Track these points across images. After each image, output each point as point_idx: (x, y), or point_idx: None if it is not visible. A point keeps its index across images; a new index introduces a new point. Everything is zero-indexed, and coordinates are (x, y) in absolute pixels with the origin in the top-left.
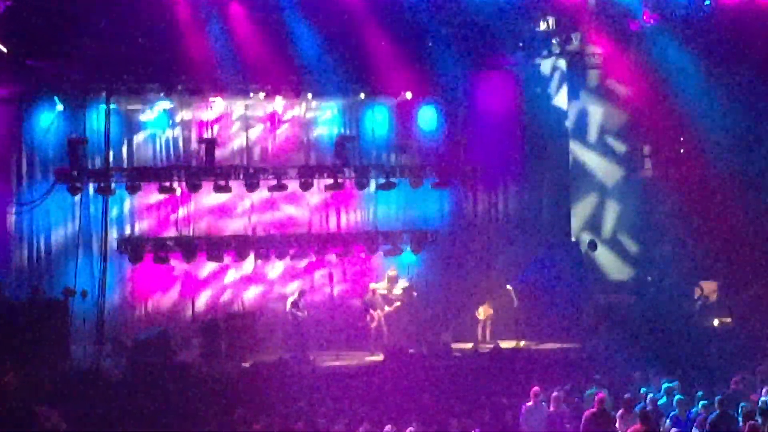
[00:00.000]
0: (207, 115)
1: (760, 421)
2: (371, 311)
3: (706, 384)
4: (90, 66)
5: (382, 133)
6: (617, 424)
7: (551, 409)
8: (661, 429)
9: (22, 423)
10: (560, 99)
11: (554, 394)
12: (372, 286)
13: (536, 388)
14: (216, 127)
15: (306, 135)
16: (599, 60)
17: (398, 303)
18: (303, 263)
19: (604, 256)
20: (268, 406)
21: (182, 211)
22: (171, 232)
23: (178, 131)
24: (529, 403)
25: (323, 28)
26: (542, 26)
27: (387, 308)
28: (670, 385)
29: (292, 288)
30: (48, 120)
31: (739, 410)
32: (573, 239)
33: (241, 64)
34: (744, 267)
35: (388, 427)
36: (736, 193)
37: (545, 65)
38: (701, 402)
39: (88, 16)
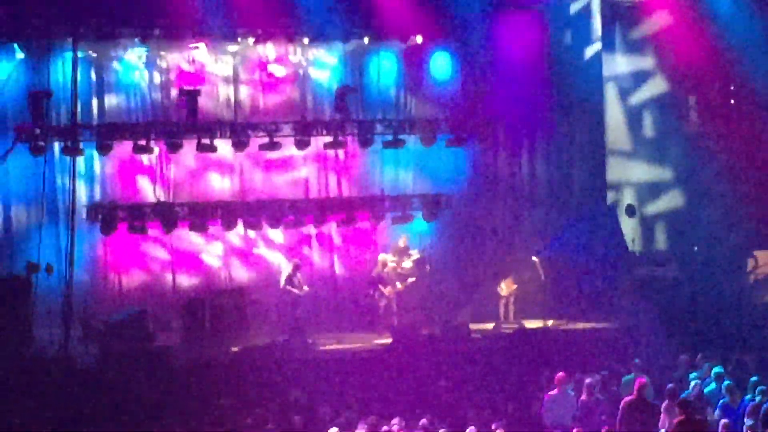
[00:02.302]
0: (188, 64)
1: None
2: (380, 287)
3: (761, 368)
4: (54, 7)
5: (388, 84)
6: (662, 418)
7: (584, 397)
8: (709, 419)
9: None
10: (593, 43)
11: (588, 380)
12: (382, 257)
13: (562, 374)
14: (199, 78)
15: (302, 86)
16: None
17: (412, 278)
18: (299, 233)
19: (643, 223)
20: (261, 397)
21: (161, 174)
22: (148, 198)
23: (155, 82)
24: (553, 392)
25: None
26: None
27: (398, 284)
28: (720, 369)
29: (287, 261)
30: (6, 71)
31: None
32: (608, 204)
33: (228, 3)
34: None
35: (396, 420)
36: None
37: (576, 5)
38: (756, 389)
39: None
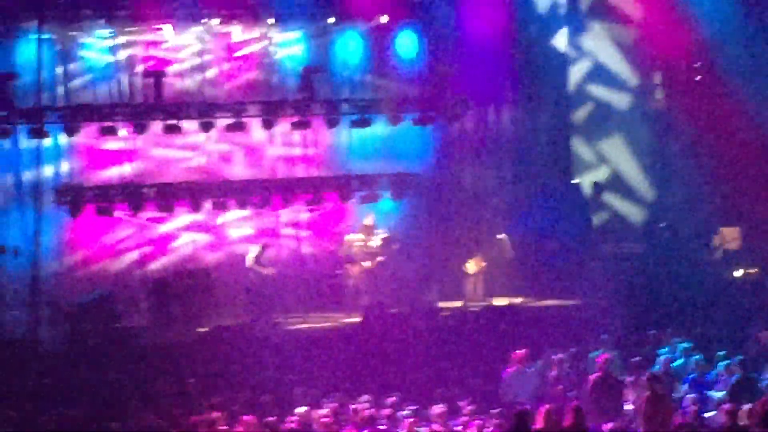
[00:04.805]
0: (154, 45)
1: None
2: (347, 266)
3: (728, 343)
4: None
5: (354, 63)
6: (628, 393)
7: (553, 373)
8: (678, 394)
9: None
10: (558, 18)
11: (557, 356)
12: (348, 237)
13: (520, 352)
14: (164, 60)
15: (268, 66)
16: None
17: (380, 257)
18: (267, 213)
19: (610, 200)
20: (230, 377)
21: (127, 155)
22: (115, 180)
23: (121, 64)
24: (511, 369)
25: None
26: None
27: (366, 263)
28: (688, 345)
29: (255, 242)
30: None
31: (765, 373)
32: (575, 181)
33: None
34: None
35: (365, 398)
36: (760, 128)
37: None
38: (722, 363)
39: None
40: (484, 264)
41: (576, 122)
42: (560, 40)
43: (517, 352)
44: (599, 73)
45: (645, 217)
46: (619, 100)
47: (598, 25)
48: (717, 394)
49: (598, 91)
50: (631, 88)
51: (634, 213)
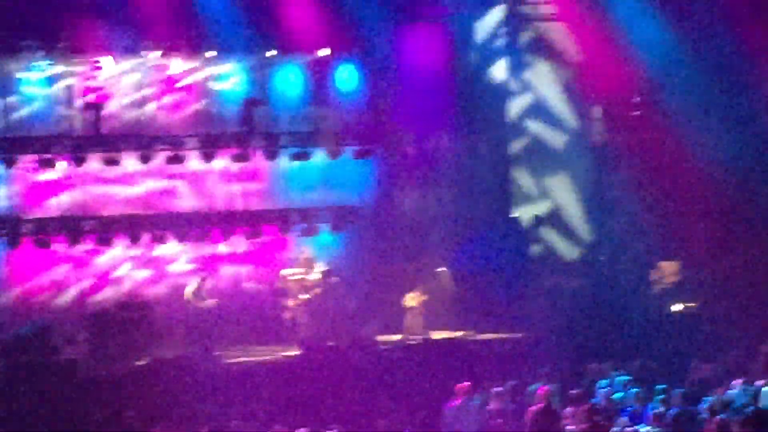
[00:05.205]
0: (93, 78)
1: (727, 417)
2: (284, 299)
3: (666, 376)
4: None
5: (294, 96)
6: (567, 424)
7: (492, 407)
8: (617, 428)
9: None
10: (497, 53)
11: (497, 389)
12: (284, 271)
13: (464, 384)
14: (104, 92)
15: (207, 99)
16: (543, 9)
17: (317, 290)
18: (206, 246)
19: (549, 234)
20: (169, 409)
21: (65, 188)
22: (53, 212)
23: (60, 96)
24: (455, 402)
25: None
26: None
27: (303, 296)
28: (627, 377)
29: (193, 274)
30: None
31: (704, 405)
32: (514, 215)
33: (132, 17)
34: (708, 244)
35: (303, 431)
36: (698, 162)
37: (482, 17)
38: (660, 396)
39: None
40: (424, 297)
41: (516, 154)
42: (499, 72)
43: (461, 384)
44: (539, 107)
45: (584, 251)
46: (558, 134)
47: (537, 60)
48: (655, 428)
49: (537, 125)
50: (571, 122)
51: (572, 246)
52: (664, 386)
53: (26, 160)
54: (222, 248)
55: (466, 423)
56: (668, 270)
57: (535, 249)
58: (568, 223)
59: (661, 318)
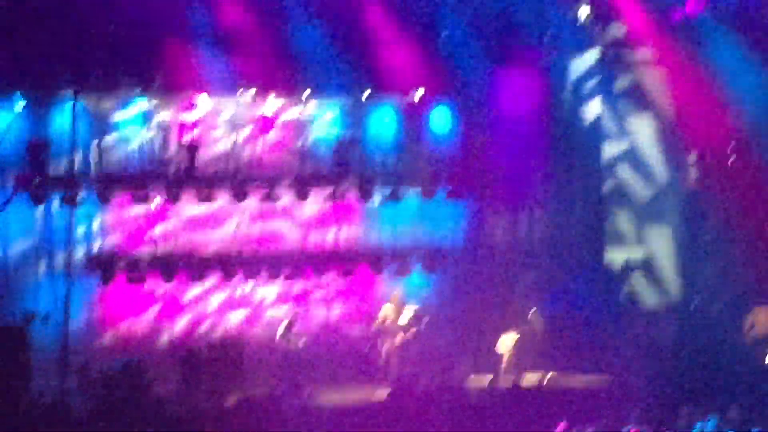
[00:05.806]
0: (189, 116)
1: None
2: (378, 340)
3: (762, 423)
4: (55, 57)
5: (388, 137)
6: None
7: None
8: None
9: None
10: (593, 99)
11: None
12: (383, 310)
13: (563, 424)
14: (199, 130)
15: (302, 139)
16: (639, 55)
17: (408, 330)
18: (298, 285)
19: (641, 280)
20: None
21: (160, 225)
22: (147, 249)
23: (155, 134)
24: None
25: (323, 16)
26: (575, 15)
27: (394, 337)
28: (720, 422)
29: (285, 313)
30: (6, 120)
31: None
32: (606, 262)
33: (229, 57)
34: None
35: None
36: None
37: (577, 61)
38: None
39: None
40: (515, 339)
41: (609, 198)
42: (593, 114)
43: (560, 425)
44: (633, 153)
45: (675, 298)
46: (652, 180)
47: (633, 105)
48: None
49: (630, 170)
50: (665, 169)
51: (663, 293)
52: (758, 431)
53: (121, 196)
54: (314, 287)
55: None
56: (763, 316)
57: (625, 294)
58: (659, 269)
59: (756, 364)
